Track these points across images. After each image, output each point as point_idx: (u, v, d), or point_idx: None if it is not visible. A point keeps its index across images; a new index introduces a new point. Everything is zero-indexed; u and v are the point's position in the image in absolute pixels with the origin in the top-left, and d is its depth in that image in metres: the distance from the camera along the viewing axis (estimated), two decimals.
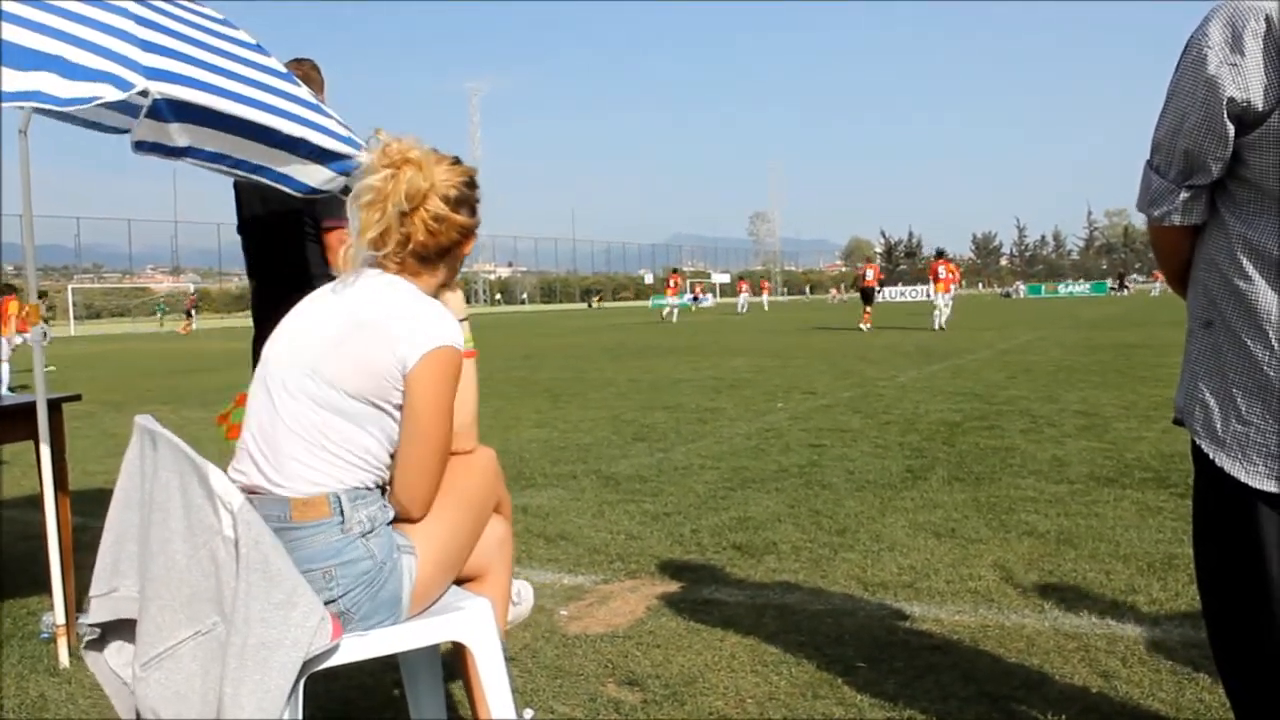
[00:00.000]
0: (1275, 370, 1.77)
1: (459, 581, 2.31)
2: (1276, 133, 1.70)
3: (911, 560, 4.24)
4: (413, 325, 2.06)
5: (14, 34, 2.76)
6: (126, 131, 3.35)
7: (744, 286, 57.43)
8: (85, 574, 2.45)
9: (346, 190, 3.70)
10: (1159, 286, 70.18)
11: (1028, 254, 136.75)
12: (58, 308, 57.14)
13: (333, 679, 3.07)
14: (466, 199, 2.22)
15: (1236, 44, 1.69)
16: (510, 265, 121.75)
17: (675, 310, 41.77)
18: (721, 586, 4.01)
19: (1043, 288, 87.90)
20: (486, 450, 2.39)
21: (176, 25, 3.25)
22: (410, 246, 2.16)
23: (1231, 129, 1.74)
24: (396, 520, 2.14)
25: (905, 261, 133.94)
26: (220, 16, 3.58)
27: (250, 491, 2.05)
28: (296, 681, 1.82)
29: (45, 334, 3.63)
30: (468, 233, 2.25)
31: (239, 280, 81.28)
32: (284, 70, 3.60)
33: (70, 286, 64.70)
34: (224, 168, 3.53)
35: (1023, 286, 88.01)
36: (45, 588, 3.61)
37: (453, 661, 2.43)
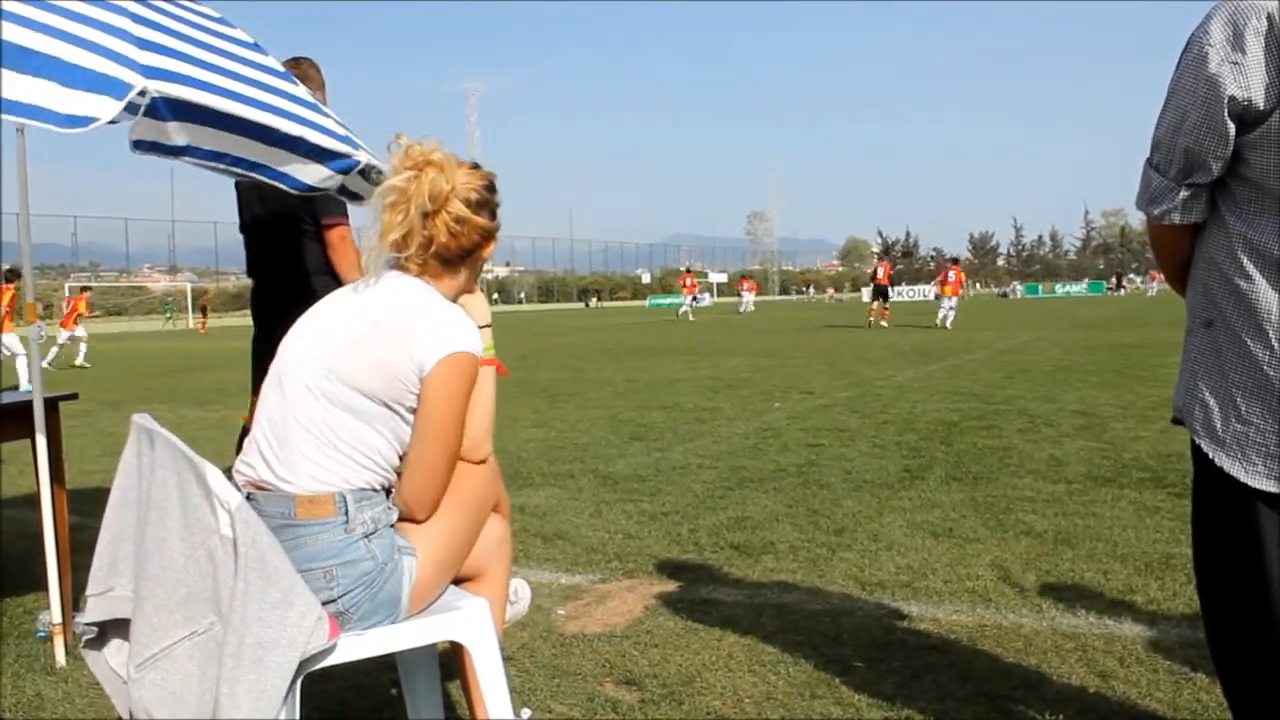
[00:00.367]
0: (1275, 370, 1.76)
1: (457, 581, 2.31)
2: (1277, 131, 1.69)
3: (909, 560, 4.24)
4: (431, 329, 2.06)
5: (12, 33, 2.76)
6: (114, 122, 3.35)
7: (748, 285, 57.89)
8: (82, 573, 2.45)
9: (343, 189, 3.70)
10: (1156, 286, 70.29)
11: (1025, 254, 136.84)
12: (54, 306, 57.05)
13: (330, 679, 3.07)
14: (487, 202, 2.23)
15: (1238, 42, 1.69)
16: (508, 265, 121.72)
17: (691, 309, 43.66)
18: (719, 586, 4.01)
19: (1040, 288, 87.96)
20: None
21: (174, 24, 3.24)
22: (433, 249, 2.17)
23: (1232, 128, 1.74)
24: (399, 520, 2.14)
25: (902, 261, 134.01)
26: (217, 15, 3.58)
27: (256, 487, 2.05)
28: (293, 681, 1.82)
29: (42, 333, 3.62)
30: (489, 235, 2.25)
31: (236, 279, 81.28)
32: (281, 69, 3.60)
33: (67, 285, 64.54)
34: (222, 166, 3.52)
35: (1020, 286, 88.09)
36: (42, 586, 3.61)
37: (450, 661, 2.43)
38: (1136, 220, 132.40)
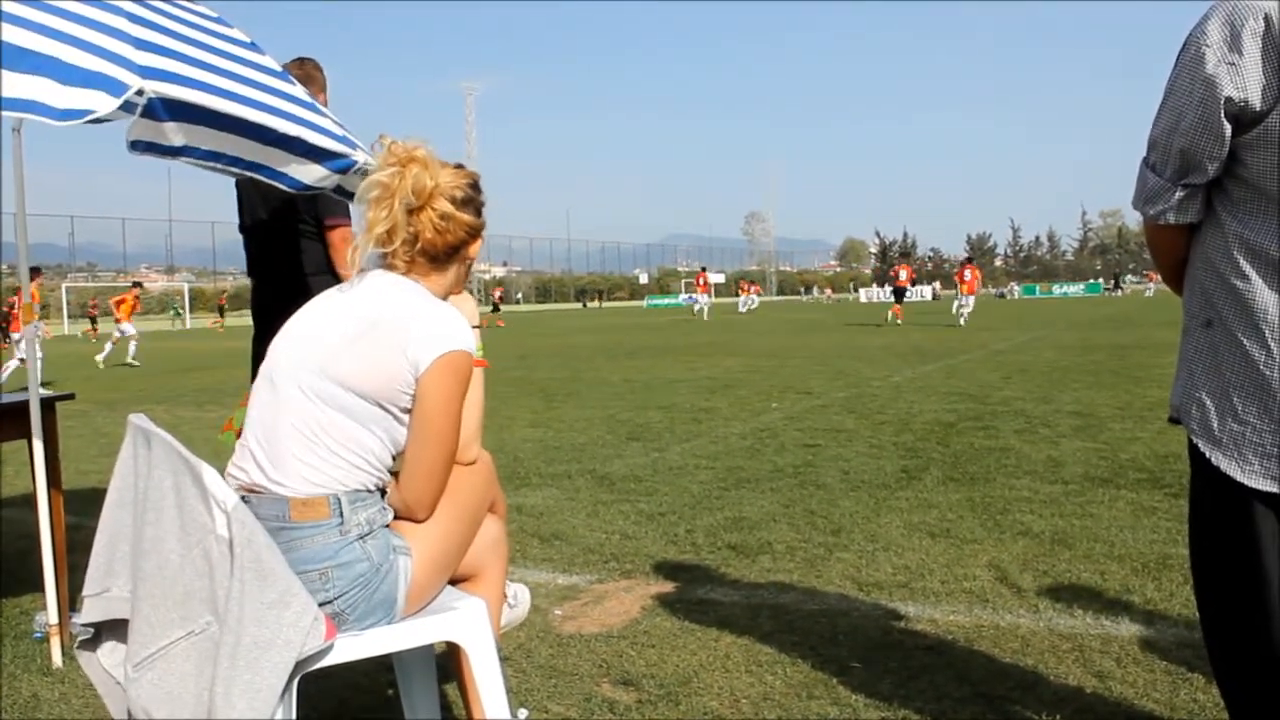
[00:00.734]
0: (1271, 369, 1.77)
1: (453, 582, 2.31)
2: (1274, 132, 1.69)
3: (906, 560, 4.24)
4: (426, 328, 2.06)
5: (9, 34, 2.76)
6: (108, 120, 3.34)
7: (755, 289, 58.96)
8: (79, 573, 2.45)
9: (340, 189, 3.70)
10: (1153, 287, 70.36)
11: (1022, 254, 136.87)
12: (51, 306, 57.02)
13: (326, 679, 3.07)
14: (472, 200, 2.24)
15: (1235, 43, 1.69)
16: (505, 265, 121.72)
17: (705, 308, 44.82)
18: (716, 586, 4.01)
19: (1037, 288, 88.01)
20: (482, 452, 2.40)
21: (171, 24, 3.24)
22: (419, 245, 2.17)
23: (1228, 128, 1.74)
24: (395, 518, 2.14)
25: (900, 262, 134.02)
26: (215, 15, 3.57)
27: (249, 490, 2.05)
28: (289, 682, 1.82)
29: (38, 332, 3.62)
30: (475, 232, 2.26)
31: (233, 279, 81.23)
32: (279, 69, 3.59)
33: (64, 285, 64.56)
34: (220, 166, 3.52)
35: (1017, 287, 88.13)
36: (39, 587, 3.60)
37: (447, 662, 2.42)
38: (1134, 221, 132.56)
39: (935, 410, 9.05)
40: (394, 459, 2.13)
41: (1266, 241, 1.75)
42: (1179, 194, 1.85)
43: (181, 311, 61.31)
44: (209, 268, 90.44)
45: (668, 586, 4.02)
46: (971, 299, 28.22)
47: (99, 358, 20.86)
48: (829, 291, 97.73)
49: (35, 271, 16.39)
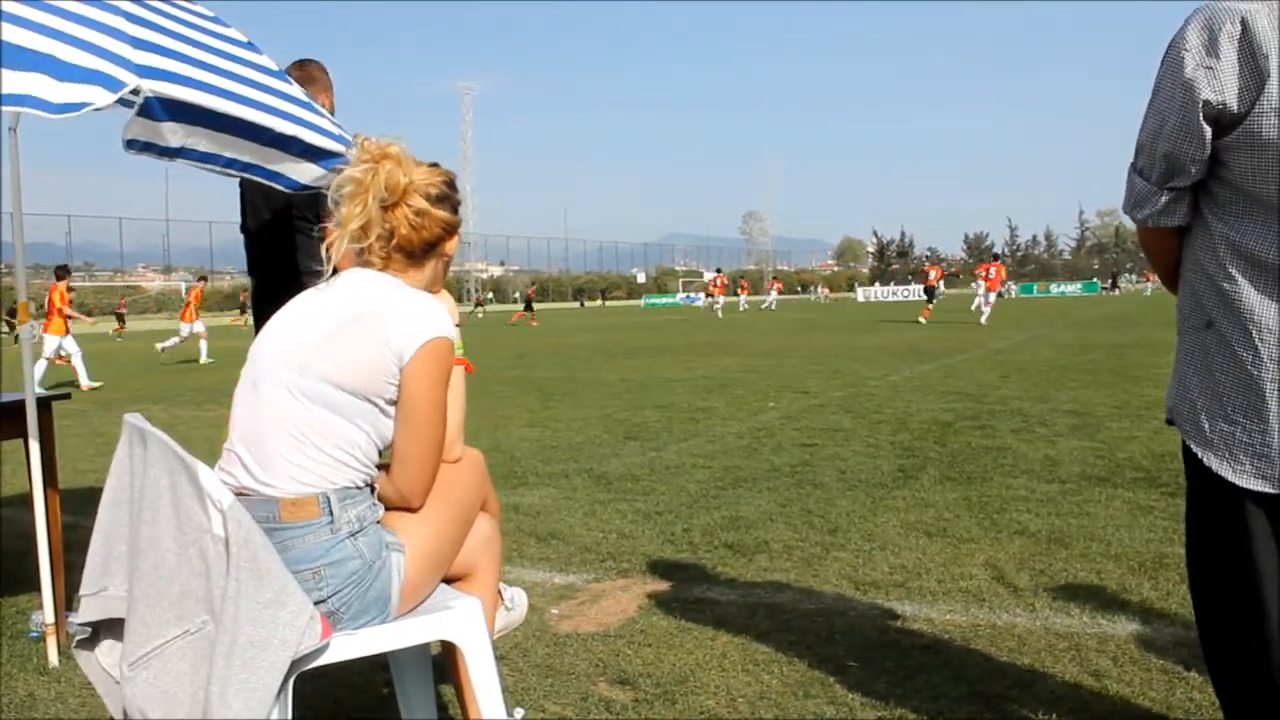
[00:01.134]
0: (1259, 370, 1.77)
1: (446, 581, 2.31)
2: (1253, 135, 1.70)
3: (903, 559, 4.24)
4: (406, 318, 2.07)
5: (8, 33, 2.75)
6: (103, 109, 3.34)
7: (778, 285, 59.77)
8: (75, 573, 2.45)
9: None
10: (1151, 286, 70.41)
11: (1019, 254, 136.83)
12: (44, 306, 56.92)
13: (322, 678, 3.07)
14: (447, 197, 2.26)
15: (1212, 47, 1.70)
16: (502, 264, 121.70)
17: (720, 306, 46.98)
18: (713, 585, 4.01)
19: (1035, 287, 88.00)
20: (474, 450, 2.40)
21: (168, 23, 3.24)
22: (394, 241, 2.19)
23: (1209, 132, 1.75)
24: (387, 511, 2.14)
25: (897, 261, 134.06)
26: (212, 14, 3.57)
27: (238, 494, 2.04)
28: (285, 681, 1.82)
29: (34, 333, 3.61)
30: (450, 229, 2.28)
31: (231, 279, 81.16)
32: (276, 68, 3.59)
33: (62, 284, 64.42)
34: (216, 167, 3.52)
35: (1014, 286, 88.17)
36: (35, 586, 3.60)
37: (443, 661, 2.42)
38: (1130, 220, 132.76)
39: (932, 409, 9.05)
40: (380, 454, 2.13)
41: (1251, 243, 1.76)
42: (1165, 197, 1.87)
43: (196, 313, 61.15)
44: (206, 267, 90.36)
45: (664, 585, 4.02)
46: (992, 295, 29.01)
47: (161, 346, 21.06)
48: (826, 290, 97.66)
49: (64, 270, 16.37)
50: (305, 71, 4.07)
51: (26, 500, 3.93)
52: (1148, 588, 3.78)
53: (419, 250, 2.23)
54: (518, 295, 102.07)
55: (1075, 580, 3.90)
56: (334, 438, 2.03)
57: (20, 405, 3.56)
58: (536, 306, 48.97)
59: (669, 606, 3.76)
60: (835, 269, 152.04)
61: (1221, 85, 1.70)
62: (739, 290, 60.03)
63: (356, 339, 2.05)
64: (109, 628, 2.19)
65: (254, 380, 2.10)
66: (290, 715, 1.88)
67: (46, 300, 15.72)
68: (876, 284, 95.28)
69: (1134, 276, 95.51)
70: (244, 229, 4.37)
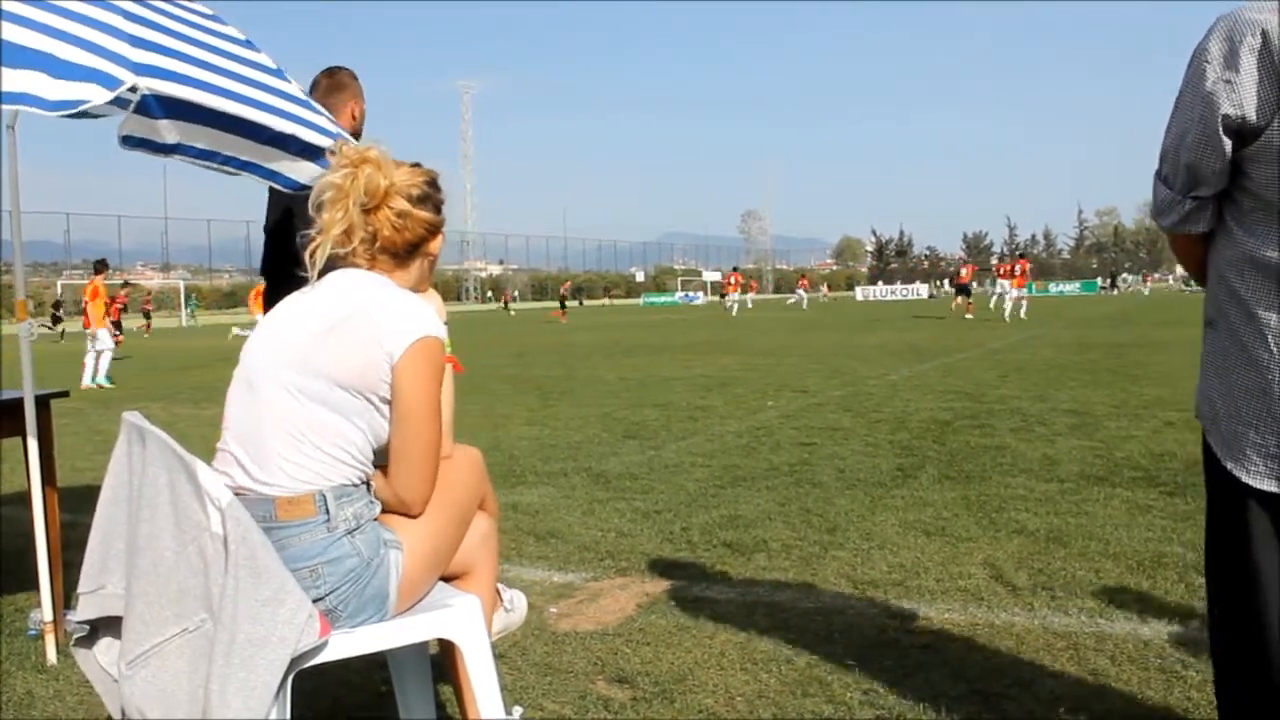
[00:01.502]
0: (1274, 373, 1.79)
1: (444, 579, 2.31)
2: (1273, 147, 1.71)
3: (901, 558, 4.24)
4: (396, 317, 2.07)
5: (6, 31, 2.75)
6: (103, 116, 3.34)
7: (805, 284, 60.93)
8: (74, 571, 2.44)
9: None
10: (1150, 286, 70.42)
11: (1018, 253, 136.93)
12: (46, 304, 56.88)
13: (320, 676, 3.06)
14: (429, 197, 2.27)
15: (1232, 59, 1.71)
16: (501, 263, 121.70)
17: (736, 304, 48.11)
18: (712, 584, 4.01)
19: (1033, 286, 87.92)
20: (472, 449, 2.40)
21: (166, 21, 3.23)
22: (378, 243, 2.20)
23: (1229, 144, 1.76)
24: (384, 512, 2.14)
25: (896, 260, 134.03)
26: (210, 12, 3.57)
27: (234, 493, 2.04)
28: (284, 679, 1.81)
29: (32, 330, 3.60)
30: (434, 229, 2.29)
31: (229, 277, 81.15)
32: (274, 66, 3.58)
33: (60, 283, 64.43)
34: (213, 164, 3.51)
35: (999, 286, 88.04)
36: (33, 585, 3.60)
37: (441, 659, 2.42)
38: (1129, 219, 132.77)
39: (931, 409, 9.06)
40: (375, 452, 2.13)
41: (1270, 251, 1.78)
42: (1188, 205, 1.89)
43: (196, 308, 61.27)
44: (205, 265, 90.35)
45: (663, 584, 4.02)
46: (1021, 292, 29.89)
47: (237, 332, 21.13)
48: (825, 288, 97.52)
49: (102, 265, 16.34)
50: (335, 79, 4.02)
51: (25, 498, 3.93)
52: (1146, 586, 3.78)
53: (403, 251, 2.24)
54: (517, 294, 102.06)
55: (1073, 579, 3.90)
56: (331, 435, 2.03)
57: (19, 403, 3.56)
58: (536, 305, 49.29)
59: (667, 605, 3.76)
60: (834, 268, 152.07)
61: (1240, 99, 1.71)
62: (747, 288, 60.48)
63: (348, 338, 2.05)
64: (107, 626, 2.19)
65: (249, 380, 2.11)
66: (289, 714, 1.88)
67: (83, 296, 15.76)
68: (880, 283, 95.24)
69: (1131, 276, 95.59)
70: (267, 228, 4.35)
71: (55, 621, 3.43)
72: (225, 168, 3.53)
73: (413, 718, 2.57)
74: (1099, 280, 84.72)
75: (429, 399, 2.09)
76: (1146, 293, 65.87)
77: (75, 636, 2.21)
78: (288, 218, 4.13)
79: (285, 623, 1.80)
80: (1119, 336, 19.16)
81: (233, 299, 66.47)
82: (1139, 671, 3.02)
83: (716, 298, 48.77)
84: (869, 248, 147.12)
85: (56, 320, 40.93)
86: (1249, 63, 1.70)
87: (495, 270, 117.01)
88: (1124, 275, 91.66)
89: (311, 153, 3.41)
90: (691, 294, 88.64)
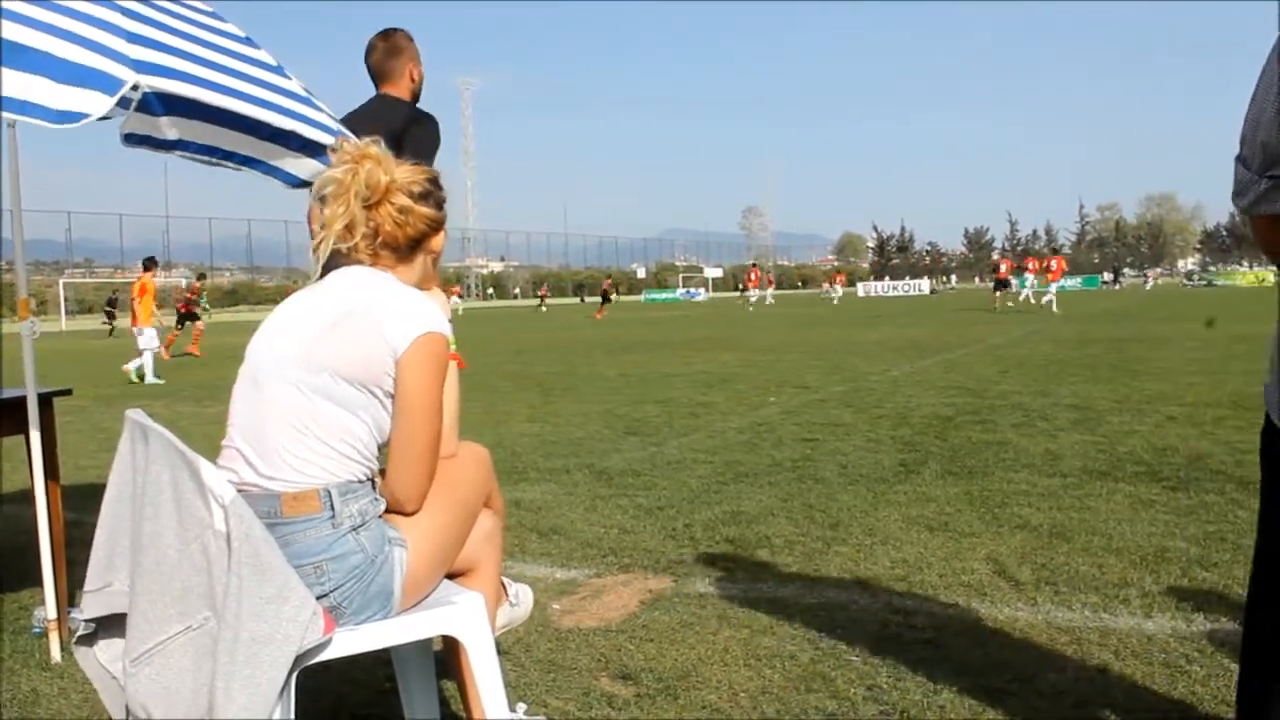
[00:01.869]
0: None
1: (448, 576, 2.31)
2: None
3: (904, 554, 4.24)
4: (400, 312, 2.08)
5: (6, 30, 2.75)
6: (108, 118, 3.34)
7: (839, 279, 63.15)
8: (77, 569, 2.45)
9: None
10: (1152, 282, 70.34)
11: (1020, 248, 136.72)
12: (48, 302, 56.90)
13: (324, 673, 3.06)
14: (430, 194, 2.28)
15: None
16: (502, 260, 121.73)
17: (754, 300, 49.92)
18: (714, 580, 4.01)
19: (1036, 280, 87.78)
20: (478, 447, 2.40)
21: (166, 18, 3.23)
22: (380, 238, 2.21)
23: None
24: (388, 511, 2.14)
25: (897, 256, 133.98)
26: (210, 10, 3.56)
27: (239, 489, 2.04)
28: (288, 677, 1.81)
29: (35, 329, 3.60)
30: (435, 225, 2.29)
31: (230, 275, 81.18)
32: (274, 63, 3.58)
33: (61, 281, 64.47)
34: (214, 161, 3.51)
35: (1015, 280, 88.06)
36: (37, 583, 3.60)
37: (445, 656, 2.42)
38: (1131, 214, 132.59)
39: (933, 404, 9.05)
40: (380, 448, 2.13)
41: None
42: (1264, 185, 1.86)
43: (209, 307, 61.24)
44: (206, 263, 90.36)
45: (666, 581, 4.02)
46: (1054, 286, 32.20)
47: None
48: (826, 286, 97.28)
49: (151, 262, 16.31)
50: (391, 42, 3.95)
51: (28, 496, 3.93)
52: (1149, 581, 3.78)
53: (405, 247, 2.24)
54: (518, 290, 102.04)
55: (1077, 574, 3.90)
56: (336, 429, 2.04)
57: (21, 401, 3.56)
58: (536, 302, 49.65)
59: (670, 601, 3.76)
60: (836, 264, 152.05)
61: None
62: (767, 284, 60.85)
63: (352, 332, 2.05)
64: (112, 624, 2.19)
65: (254, 376, 2.11)
66: (293, 711, 1.88)
67: (130, 294, 15.74)
68: (887, 278, 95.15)
69: (1133, 271, 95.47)
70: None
71: (59, 619, 3.44)
72: (226, 164, 3.53)
73: (416, 715, 2.57)
74: (1101, 275, 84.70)
75: (431, 395, 2.10)
76: (1148, 287, 65.84)
77: (77, 635, 2.22)
78: None
79: (289, 620, 1.80)
80: (1120, 331, 19.15)
81: (234, 297, 66.46)
82: (1143, 666, 3.01)
83: (736, 294, 50.30)
84: (870, 244, 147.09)
85: (111, 316, 41.12)
86: None
87: (496, 267, 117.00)
88: (1125, 270, 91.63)
89: (313, 149, 3.41)
90: (693, 290, 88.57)
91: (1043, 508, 4.95)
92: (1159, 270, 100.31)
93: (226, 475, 2.06)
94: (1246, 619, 1.98)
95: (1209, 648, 3.13)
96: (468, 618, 2.17)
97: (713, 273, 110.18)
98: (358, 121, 3.61)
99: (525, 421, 8.86)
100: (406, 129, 3.65)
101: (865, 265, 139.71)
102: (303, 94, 3.51)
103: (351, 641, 2.01)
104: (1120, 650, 3.14)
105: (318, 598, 1.93)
